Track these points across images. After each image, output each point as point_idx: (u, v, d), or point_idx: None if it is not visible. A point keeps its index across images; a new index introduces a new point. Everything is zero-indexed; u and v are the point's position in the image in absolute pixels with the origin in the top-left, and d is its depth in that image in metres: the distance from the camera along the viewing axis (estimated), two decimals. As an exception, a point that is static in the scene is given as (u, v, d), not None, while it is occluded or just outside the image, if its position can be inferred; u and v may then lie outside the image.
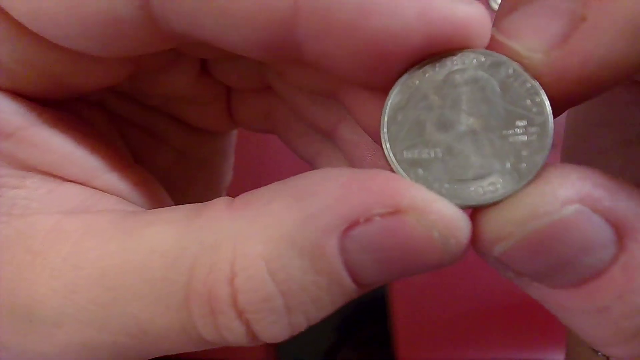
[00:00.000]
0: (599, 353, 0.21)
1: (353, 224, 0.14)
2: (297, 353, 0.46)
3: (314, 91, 0.22)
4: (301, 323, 0.16)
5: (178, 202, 0.18)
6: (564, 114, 0.26)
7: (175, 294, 0.15)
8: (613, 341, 0.15)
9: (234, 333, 0.15)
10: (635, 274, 0.13)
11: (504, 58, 0.15)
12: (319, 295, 0.15)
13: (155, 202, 0.21)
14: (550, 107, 0.15)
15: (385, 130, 0.16)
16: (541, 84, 0.15)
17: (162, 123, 0.25)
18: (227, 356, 0.47)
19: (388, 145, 0.16)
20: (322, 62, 0.16)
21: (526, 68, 0.15)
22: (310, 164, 0.25)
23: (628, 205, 0.14)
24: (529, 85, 0.15)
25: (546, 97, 0.15)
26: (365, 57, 0.15)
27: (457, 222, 0.14)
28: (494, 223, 0.14)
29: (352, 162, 0.22)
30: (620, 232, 0.14)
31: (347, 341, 0.47)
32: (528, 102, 0.15)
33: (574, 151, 0.22)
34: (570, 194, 0.13)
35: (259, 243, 0.15)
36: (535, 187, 0.14)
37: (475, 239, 0.15)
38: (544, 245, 0.14)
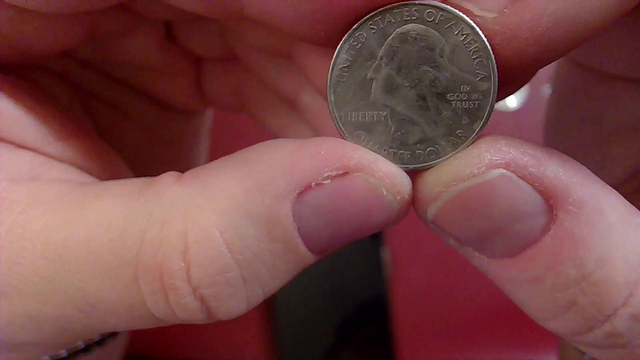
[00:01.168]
0: (585, 355, 0.21)
1: (305, 189, 0.14)
2: (297, 353, 0.46)
3: (271, 52, 0.21)
4: (258, 295, 0.15)
5: None
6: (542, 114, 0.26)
7: (123, 269, 0.15)
8: (549, 314, 0.15)
9: (187, 310, 0.15)
10: (565, 244, 0.13)
11: (457, 13, 0.14)
12: (275, 263, 0.15)
13: (114, 175, 0.20)
14: (497, 75, 0.15)
15: (331, 91, 0.16)
16: (493, 46, 0.14)
17: (129, 98, 0.25)
18: (227, 356, 0.47)
19: (334, 108, 0.16)
20: (264, 17, 0.16)
21: (479, 26, 0.14)
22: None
23: (557, 174, 0.13)
24: (479, 48, 0.14)
25: (494, 64, 0.14)
26: (306, 10, 0.14)
27: (400, 179, 0.15)
28: (425, 185, 0.15)
29: (317, 132, 0.23)
30: (550, 202, 0.13)
31: (348, 342, 0.47)
32: (476, 67, 0.15)
33: (553, 147, 0.22)
34: (496, 158, 0.14)
35: (212, 214, 0.14)
36: (465, 151, 0.15)
37: (414, 203, 0.16)
38: (472, 207, 0.14)
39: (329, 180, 0.14)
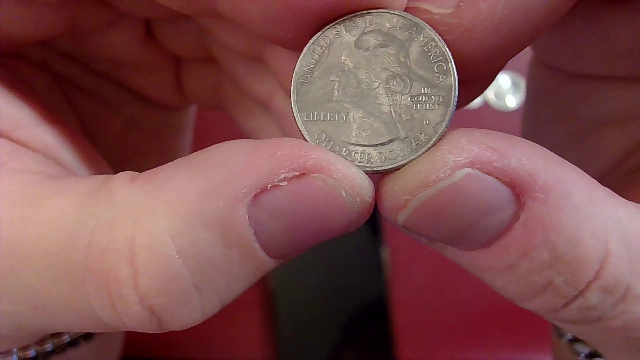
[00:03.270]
0: (581, 354, 0.22)
1: (261, 191, 0.14)
2: (297, 353, 0.46)
3: (245, 55, 0.22)
4: (214, 304, 0.15)
5: None
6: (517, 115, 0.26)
7: (71, 272, 0.14)
8: (526, 296, 0.15)
9: (135, 319, 0.14)
10: (536, 230, 0.14)
11: (418, 20, 0.15)
12: (231, 270, 0.14)
13: (88, 166, 0.20)
14: (457, 77, 0.15)
15: (294, 91, 0.16)
16: (454, 42, 0.15)
17: (111, 90, 0.25)
18: (227, 356, 0.47)
19: (296, 108, 0.16)
20: (236, 15, 0.16)
21: (437, 26, 0.15)
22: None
23: (521, 164, 0.13)
24: (438, 51, 0.15)
25: (454, 66, 0.15)
26: (274, 11, 0.15)
27: (360, 181, 0.14)
28: (392, 192, 0.15)
29: (288, 136, 0.22)
30: (517, 191, 0.14)
31: (347, 342, 0.47)
32: (436, 69, 0.15)
33: None
34: (460, 158, 0.13)
35: (163, 218, 0.14)
36: (427, 154, 0.14)
37: (379, 207, 0.15)
38: (442, 210, 0.14)
39: (286, 182, 0.14)
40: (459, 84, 0.15)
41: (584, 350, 0.21)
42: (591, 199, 0.14)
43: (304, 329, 0.46)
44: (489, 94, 0.52)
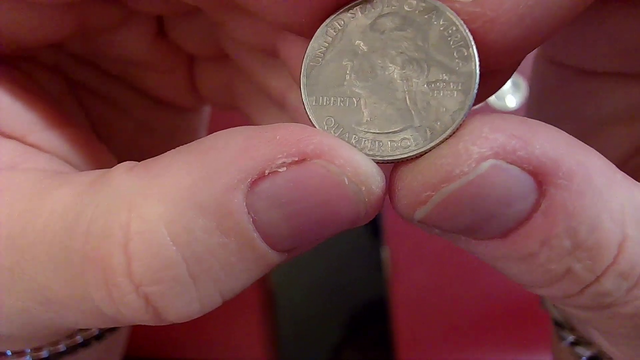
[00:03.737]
0: (582, 358, 0.21)
1: (259, 178, 0.13)
2: (297, 353, 0.46)
3: (258, 50, 0.21)
4: (213, 297, 0.14)
5: None
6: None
7: (72, 262, 0.14)
8: (542, 283, 0.15)
9: (131, 308, 0.14)
10: (557, 218, 0.13)
11: (439, 4, 0.14)
12: (230, 260, 0.14)
13: (100, 167, 0.19)
14: (478, 64, 0.14)
15: (304, 74, 0.15)
16: (475, 32, 0.14)
17: (123, 92, 0.24)
18: (227, 356, 0.47)
19: (305, 92, 0.15)
20: (248, 1, 0.15)
21: (459, 12, 0.14)
22: None
23: (544, 151, 0.13)
24: (459, 36, 0.14)
25: (476, 52, 0.14)
26: None
27: (366, 169, 0.14)
28: (410, 188, 0.14)
29: None
30: (539, 179, 0.13)
31: (347, 342, 0.46)
32: (456, 55, 0.14)
33: None
34: (484, 150, 0.13)
35: (157, 203, 0.13)
36: (448, 145, 0.14)
37: (393, 201, 0.14)
38: (464, 204, 0.13)
39: (285, 168, 0.13)
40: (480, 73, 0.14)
41: (586, 353, 0.21)
42: (610, 181, 0.13)
43: (304, 328, 0.46)
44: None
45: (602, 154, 0.22)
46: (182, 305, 0.14)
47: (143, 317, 0.14)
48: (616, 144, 0.21)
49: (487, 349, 0.48)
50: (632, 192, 0.14)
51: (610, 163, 0.14)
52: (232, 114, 0.27)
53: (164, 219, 0.13)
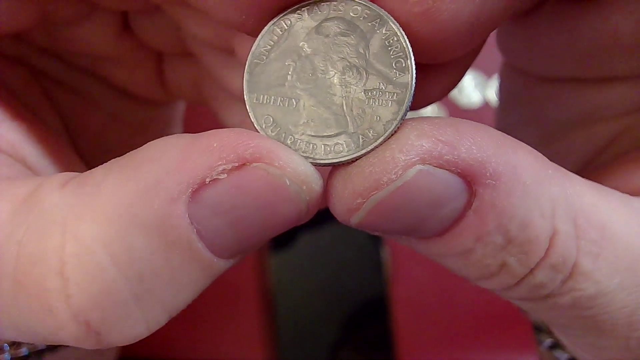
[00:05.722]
0: None
1: (199, 187, 0.13)
2: (297, 353, 0.46)
3: (216, 47, 0.21)
4: (159, 316, 0.14)
5: None
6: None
7: (4, 285, 0.13)
8: (481, 277, 0.15)
9: (71, 335, 0.13)
10: (487, 216, 0.14)
11: (383, 12, 0.14)
12: (175, 276, 0.13)
13: (59, 162, 0.19)
14: (414, 76, 0.14)
15: (247, 71, 0.15)
16: (426, 15, 0.14)
17: (91, 84, 0.24)
18: (227, 356, 0.47)
19: (247, 89, 0.15)
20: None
21: (403, 1, 0.14)
22: None
23: (470, 153, 0.13)
24: (399, 47, 0.14)
25: (413, 64, 0.14)
26: None
27: (305, 168, 0.14)
28: (342, 195, 0.14)
29: None
30: (468, 180, 0.13)
31: (347, 342, 0.47)
32: (394, 65, 0.14)
33: None
34: (410, 157, 0.13)
35: (94, 224, 0.13)
36: (377, 153, 0.14)
37: (330, 206, 0.15)
38: (395, 209, 0.14)
39: (225, 175, 0.13)
40: (421, 78, 0.14)
41: (563, 356, 0.21)
42: (540, 178, 0.14)
43: (304, 329, 0.46)
44: (489, 94, 0.52)
45: (566, 156, 0.23)
46: (126, 328, 0.13)
47: (85, 343, 0.13)
48: (579, 146, 0.22)
49: (487, 349, 0.48)
50: (563, 187, 0.14)
51: (542, 158, 0.15)
52: (206, 107, 0.27)
53: (101, 239, 0.12)
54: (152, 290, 0.13)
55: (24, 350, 0.18)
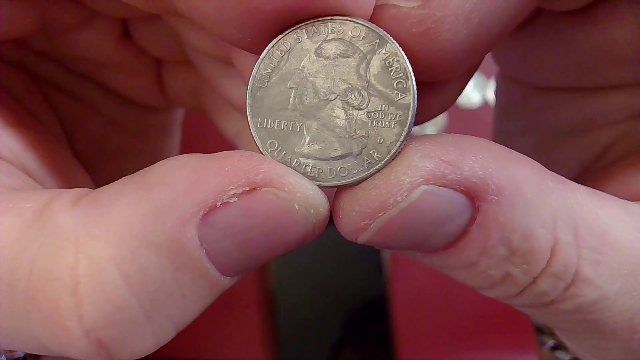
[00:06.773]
0: None
1: (210, 210, 0.13)
2: (297, 354, 0.46)
3: (215, 57, 0.21)
4: (167, 331, 0.14)
5: (116, 174, 0.16)
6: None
7: (16, 300, 0.13)
8: (486, 287, 0.16)
9: (81, 351, 0.13)
10: (491, 230, 0.14)
11: (383, 33, 0.14)
12: (184, 294, 0.14)
13: (60, 170, 0.19)
14: (416, 97, 0.14)
15: (250, 96, 0.15)
16: (424, 36, 0.14)
17: (92, 90, 0.24)
18: (227, 356, 0.47)
19: (250, 113, 0.15)
20: (193, 16, 0.15)
21: (406, 19, 0.14)
22: (233, 145, 0.25)
23: (473, 171, 0.14)
24: (399, 67, 0.14)
25: (414, 84, 0.14)
26: (231, 12, 0.14)
27: (312, 192, 0.14)
28: (350, 217, 0.14)
29: None
30: (471, 196, 0.14)
31: (348, 342, 0.47)
32: (395, 86, 0.15)
33: None
34: (414, 178, 0.13)
35: (108, 243, 0.13)
36: (382, 176, 0.14)
37: (337, 226, 0.15)
38: (402, 229, 0.14)
39: (236, 199, 0.13)
40: (421, 95, 0.15)
41: (566, 357, 0.22)
42: (541, 191, 0.14)
43: (304, 328, 0.46)
44: (489, 94, 0.52)
45: (564, 163, 0.23)
46: (136, 344, 0.14)
47: (94, 359, 0.14)
48: (576, 153, 0.22)
49: (486, 349, 0.48)
50: (563, 197, 0.15)
51: (542, 169, 0.15)
52: (204, 114, 0.27)
53: (114, 259, 0.13)
54: (162, 307, 0.13)
55: (19, 353, 0.18)
